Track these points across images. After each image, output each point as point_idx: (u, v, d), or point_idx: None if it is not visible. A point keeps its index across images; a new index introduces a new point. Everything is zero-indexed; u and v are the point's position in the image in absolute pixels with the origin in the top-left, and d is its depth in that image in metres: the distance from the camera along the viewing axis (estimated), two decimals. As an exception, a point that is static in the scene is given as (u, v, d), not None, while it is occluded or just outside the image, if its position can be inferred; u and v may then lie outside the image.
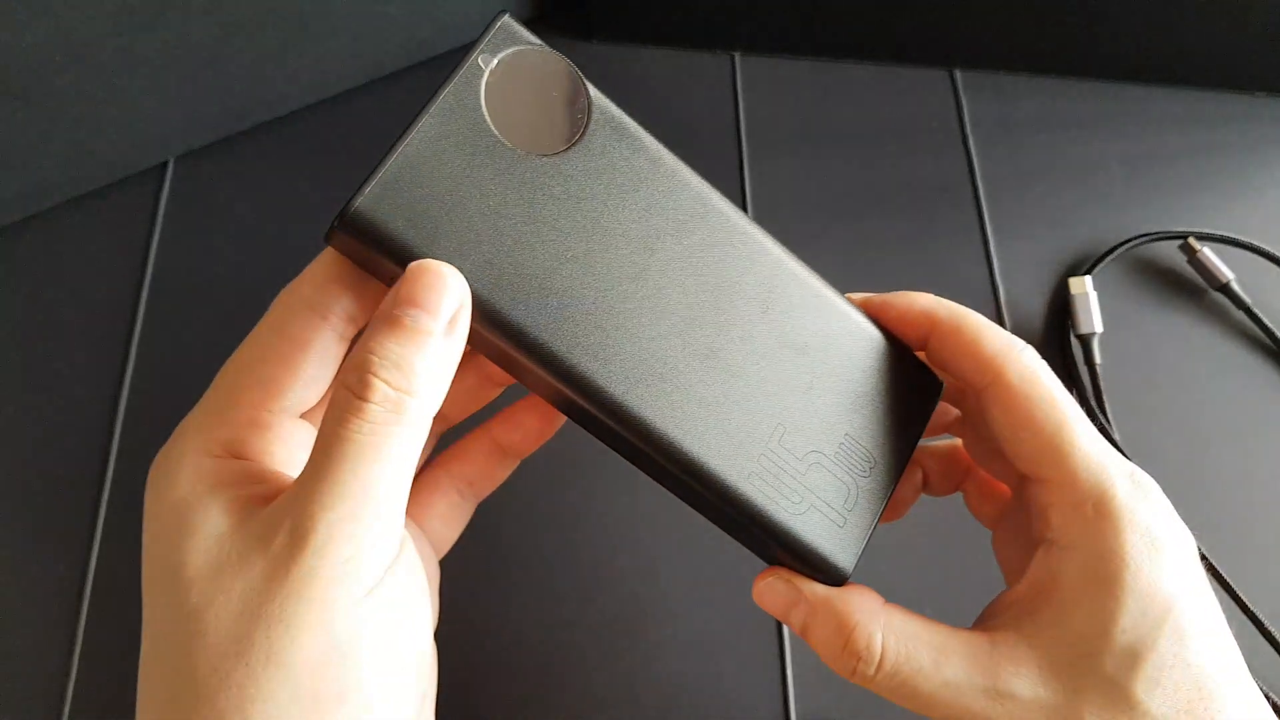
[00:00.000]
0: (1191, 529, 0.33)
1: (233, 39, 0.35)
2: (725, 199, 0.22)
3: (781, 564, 0.23)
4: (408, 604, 0.18)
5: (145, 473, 0.33)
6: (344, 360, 0.19)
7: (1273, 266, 0.38)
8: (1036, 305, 0.38)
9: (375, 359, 0.17)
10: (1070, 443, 0.20)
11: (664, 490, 0.22)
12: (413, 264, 0.18)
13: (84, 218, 0.38)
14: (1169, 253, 0.39)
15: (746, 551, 0.24)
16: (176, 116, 0.37)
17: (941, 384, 0.24)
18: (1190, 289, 0.39)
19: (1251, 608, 0.32)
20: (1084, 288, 0.37)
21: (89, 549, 0.32)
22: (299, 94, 0.40)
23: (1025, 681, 0.19)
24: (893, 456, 0.23)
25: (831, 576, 0.22)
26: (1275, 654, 0.32)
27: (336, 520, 0.16)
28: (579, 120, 0.21)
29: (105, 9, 0.31)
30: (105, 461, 0.34)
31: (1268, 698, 0.31)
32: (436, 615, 0.24)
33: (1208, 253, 0.38)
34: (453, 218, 0.19)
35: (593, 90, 0.21)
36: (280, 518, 0.17)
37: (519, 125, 0.20)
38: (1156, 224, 0.40)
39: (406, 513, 0.25)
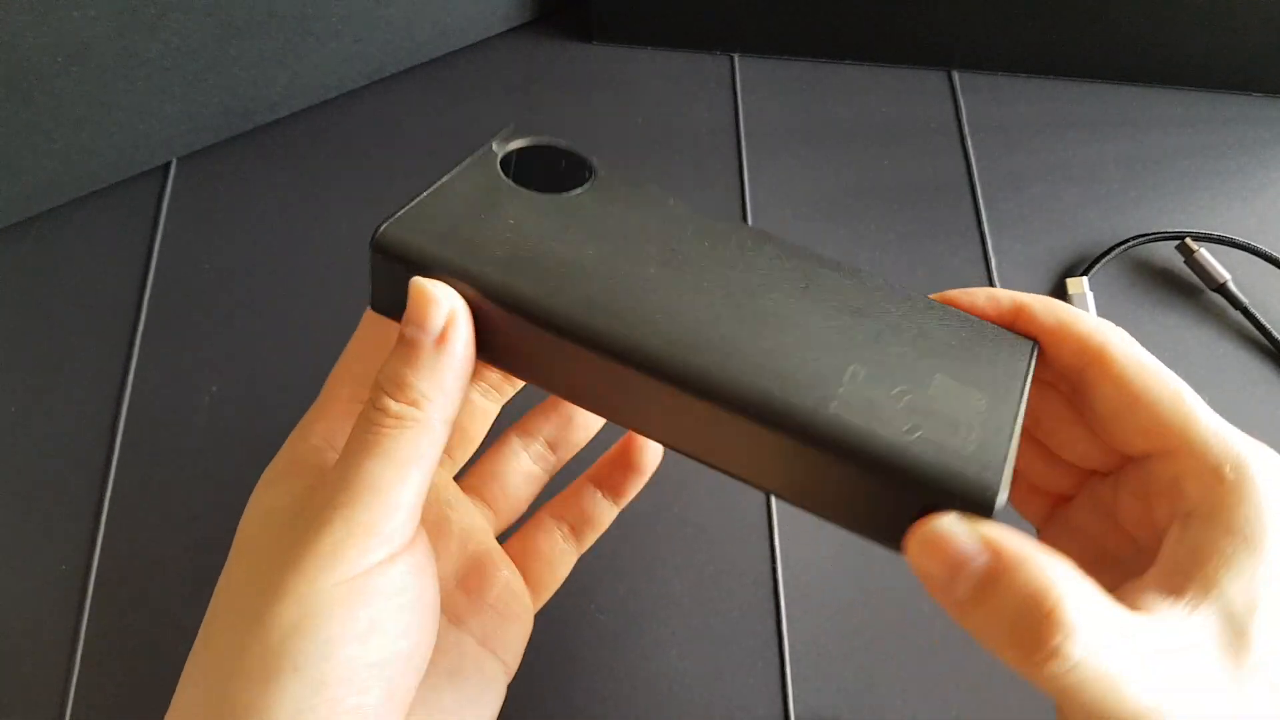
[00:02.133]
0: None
1: (235, 41, 0.35)
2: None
3: (876, 523, 0.18)
4: (397, 600, 0.19)
5: (147, 473, 0.34)
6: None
7: (1270, 267, 0.38)
8: (1034, 305, 0.38)
9: (383, 376, 0.19)
10: (1194, 411, 0.19)
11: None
12: (410, 282, 0.19)
13: (87, 218, 0.38)
14: (1166, 253, 0.40)
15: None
16: (179, 117, 0.38)
17: (1035, 342, 0.21)
18: (1187, 289, 0.39)
19: None
20: (1081, 288, 0.37)
21: (91, 549, 0.32)
22: (300, 95, 0.40)
23: (1200, 668, 0.17)
24: (1003, 394, 0.19)
25: (976, 501, 0.17)
26: None
27: (336, 507, 0.18)
28: (588, 168, 0.23)
29: (108, 10, 0.31)
30: (108, 461, 0.34)
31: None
32: (518, 660, 0.25)
33: (1205, 253, 0.38)
34: (482, 234, 0.20)
35: (598, 161, 0.23)
36: (310, 500, 0.19)
37: (533, 179, 0.22)
38: (1154, 224, 0.40)
39: (510, 550, 0.26)
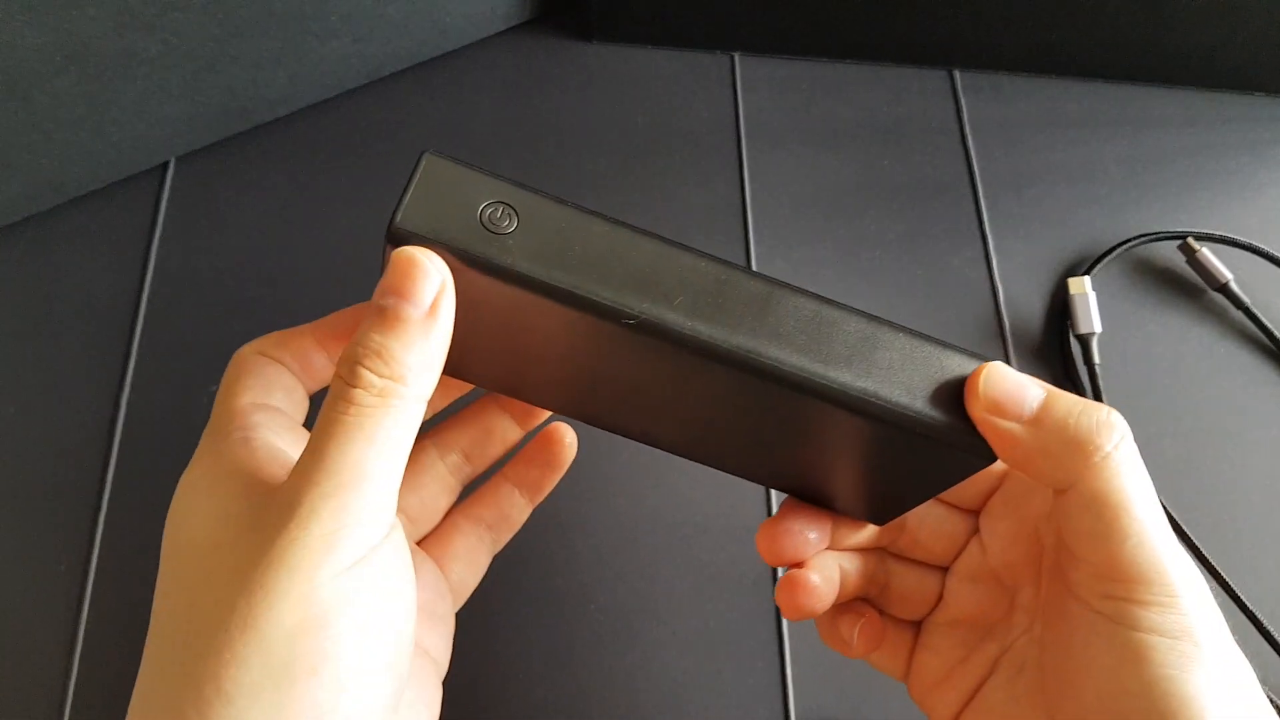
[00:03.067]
0: (1190, 528, 0.33)
1: (233, 40, 0.35)
2: None
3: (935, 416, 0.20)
4: (391, 585, 0.18)
5: (146, 473, 0.34)
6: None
7: (1271, 267, 0.38)
8: (1036, 305, 0.38)
9: (361, 349, 0.18)
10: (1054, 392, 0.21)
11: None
12: (394, 252, 0.18)
13: (85, 217, 0.38)
14: (1168, 253, 0.39)
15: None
16: (178, 116, 0.38)
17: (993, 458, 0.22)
18: (1189, 289, 0.39)
19: (1250, 607, 0.32)
20: (1083, 288, 0.37)
21: (90, 549, 0.32)
22: (299, 94, 0.40)
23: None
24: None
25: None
26: (1275, 654, 0.32)
27: (322, 495, 0.17)
28: None
29: (107, 10, 0.31)
30: (106, 462, 0.34)
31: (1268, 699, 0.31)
32: (447, 658, 0.25)
33: (1206, 253, 0.38)
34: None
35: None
36: (273, 497, 0.18)
37: None
38: (1155, 224, 0.40)
39: (429, 552, 0.26)
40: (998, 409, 0.19)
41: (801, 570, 0.24)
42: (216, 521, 0.18)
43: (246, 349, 0.23)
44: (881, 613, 0.26)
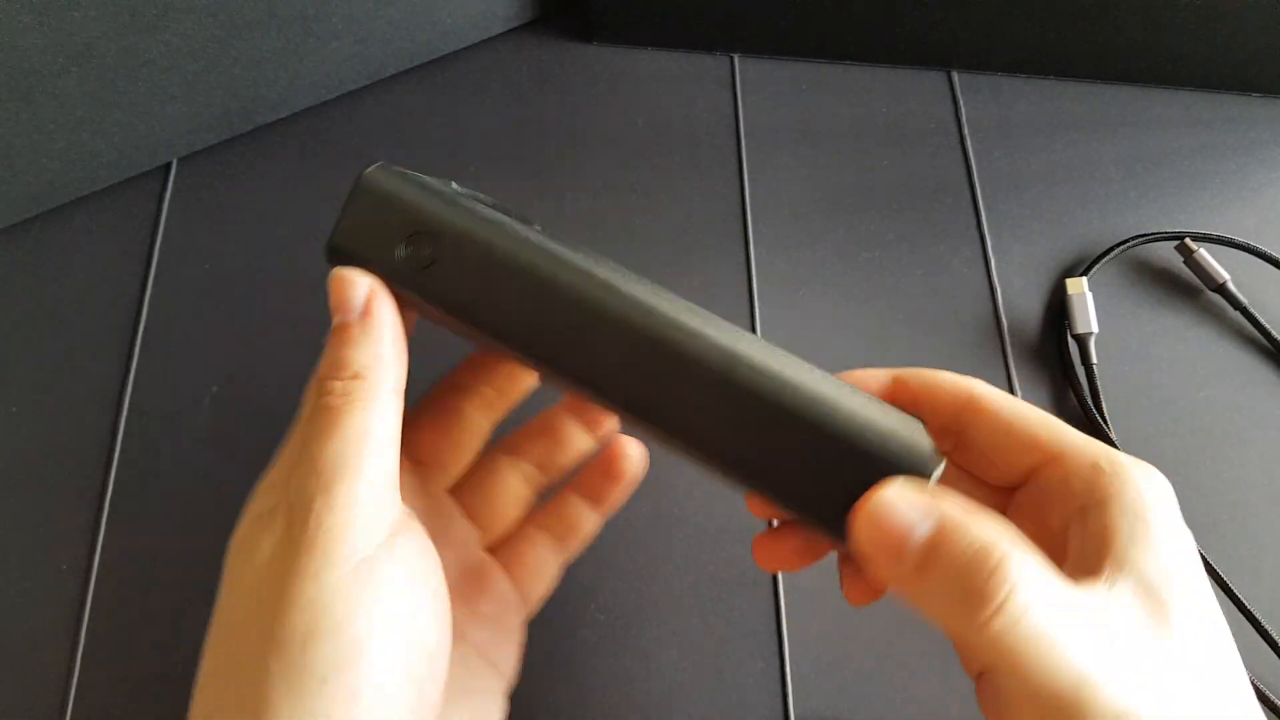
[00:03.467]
0: (1189, 528, 0.33)
1: (235, 41, 0.35)
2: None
3: (820, 499, 0.19)
4: (406, 582, 0.18)
5: (148, 471, 0.34)
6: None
7: (1269, 267, 0.38)
8: (1034, 306, 0.38)
9: (324, 367, 0.20)
10: (1062, 424, 0.21)
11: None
12: (328, 276, 0.20)
13: (88, 218, 0.38)
14: (1165, 253, 0.40)
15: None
16: (180, 117, 0.38)
17: (921, 420, 0.22)
18: (1187, 289, 0.39)
19: (1249, 606, 0.32)
20: (1081, 288, 0.37)
21: (92, 549, 0.32)
22: (301, 95, 0.40)
23: (1130, 635, 0.17)
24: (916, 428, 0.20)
25: (916, 467, 0.18)
26: (1273, 654, 0.32)
27: (314, 494, 0.18)
28: (527, 222, 0.23)
29: (109, 11, 0.31)
30: (108, 462, 0.34)
31: (1264, 698, 0.31)
32: (515, 669, 0.25)
33: (1204, 253, 0.38)
34: (461, 197, 0.21)
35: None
36: (277, 498, 0.19)
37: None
38: (1153, 225, 0.40)
39: (500, 560, 0.26)
40: (874, 554, 0.18)
41: (774, 536, 0.24)
42: (247, 521, 0.20)
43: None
44: None
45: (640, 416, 0.20)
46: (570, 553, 0.27)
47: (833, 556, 0.25)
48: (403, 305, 0.21)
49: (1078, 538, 0.19)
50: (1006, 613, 0.16)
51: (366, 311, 0.20)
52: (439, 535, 0.24)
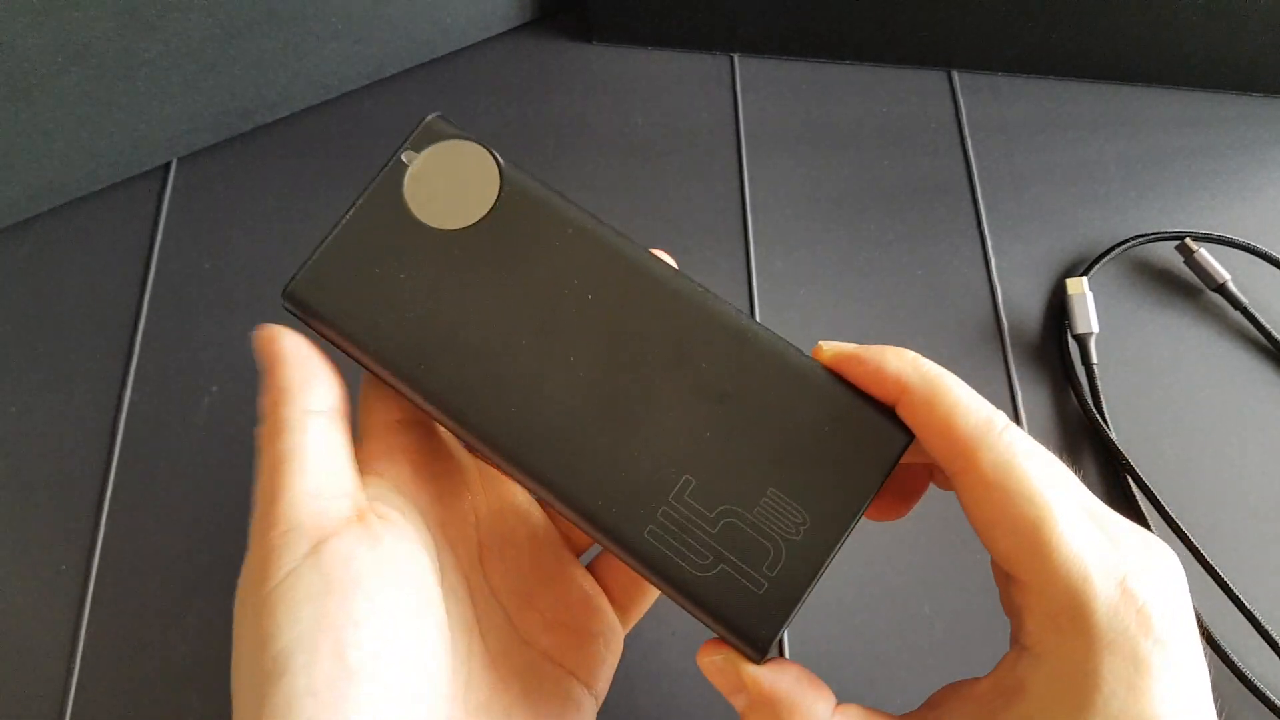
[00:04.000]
0: (1188, 529, 0.33)
1: (235, 40, 0.35)
2: (645, 252, 0.22)
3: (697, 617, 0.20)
4: (367, 579, 0.18)
5: (147, 472, 0.34)
6: None
7: (1269, 267, 0.38)
8: (1034, 306, 0.38)
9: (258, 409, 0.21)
10: (1048, 544, 0.18)
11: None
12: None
13: (87, 218, 0.38)
14: (1166, 253, 0.40)
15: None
16: (179, 117, 0.38)
17: (910, 436, 0.21)
18: (1187, 289, 0.39)
19: (1249, 607, 0.32)
20: (1081, 288, 0.37)
21: (91, 549, 0.32)
22: (301, 95, 0.40)
23: None
24: (831, 517, 0.20)
25: (750, 647, 0.20)
26: (1274, 655, 0.32)
27: (256, 528, 0.19)
28: (488, 196, 0.22)
29: (108, 11, 0.31)
30: (108, 462, 0.34)
31: (1266, 699, 0.31)
32: (603, 682, 0.25)
33: (1204, 253, 0.38)
34: (371, 293, 0.22)
35: (507, 167, 0.23)
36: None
37: (437, 206, 0.22)
38: (1153, 224, 0.40)
39: (599, 572, 0.26)
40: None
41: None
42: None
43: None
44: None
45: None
46: None
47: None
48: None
49: (1006, 669, 0.19)
50: None
51: (269, 358, 0.21)
52: (506, 539, 0.24)
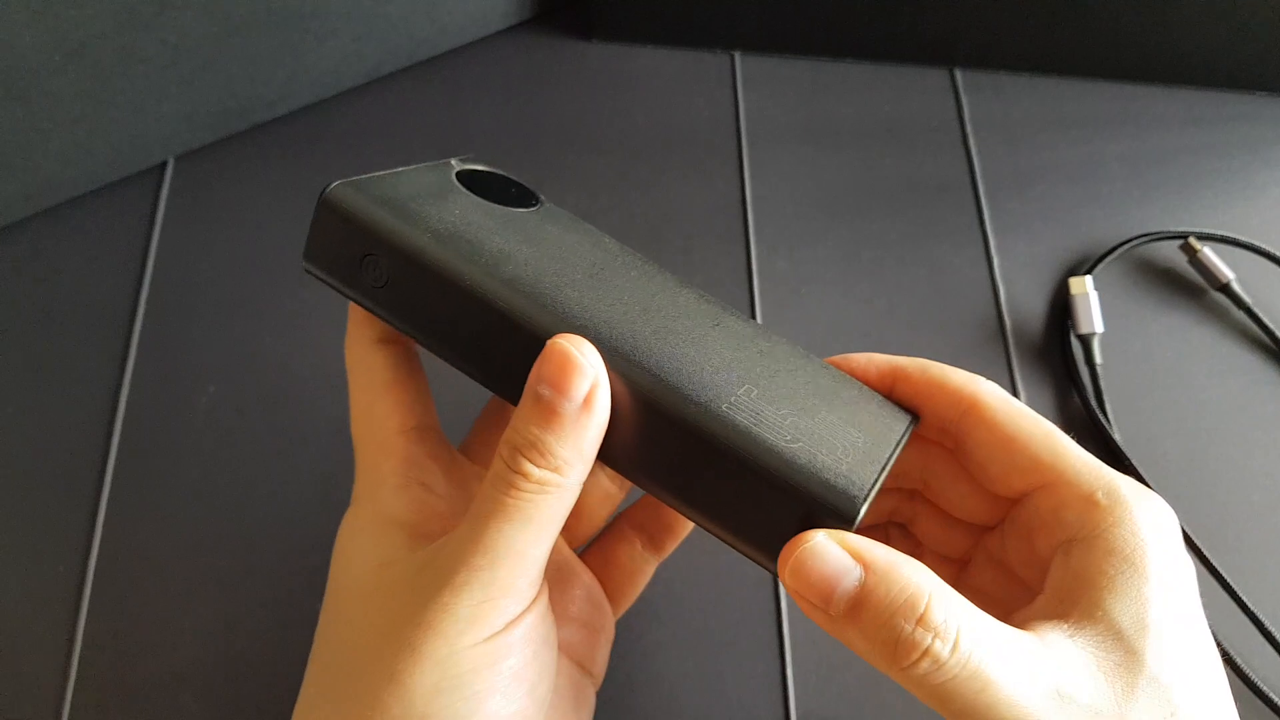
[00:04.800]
0: (1191, 529, 0.33)
1: (232, 39, 0.35)
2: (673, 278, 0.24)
3: (758, 535, 0.19)
4: (533, 650, 0.19)
5: (145, 472, 0.34)
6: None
7: (1273, 266, 0.38)
8: (1037, 305, 0.38)
9: (523, 439, 0.19)
10: (1065, 446, 0.20)
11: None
12: (550, 342, 0.19)
13: (84, 217, 0.38)
14: (1169, 253, 0.39)
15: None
16: (176, 116, 0.37)
17: (915, 416, 0.22)
18: (1191, 289, 0.39)
19: (1251, 607, 0.32)
20: (1084, 288, 0.37)
21: (88, 549, 0.32)
22: (298, 93, 0.40)
23: (1083, 686, 0.17)
24: (882, 436, 0.20)
25: (839, 509, 0.18)
26: (1275, 654, 0.32)
27: (476, 569, 0.18)
28: (528, 202, 0.25)
29: (105, 8, 0.31)
30: (105, 461, 0.34)
31: (1267, 699, 0.31)
32: (603, 669, 0.25)
33: (1208, 253, 0.38)
34: (423, 209, 0.21)
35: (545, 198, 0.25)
36: (434, 559, 0.19)
37: (484, 193, 0.24)
38: (1157, 224, 0.40)
39: (589, 563, 0.26)
40: (803, 596, 0.18)
41: None
42: (379, 566, 0.20)
43: (356, 344, 0.23)
44: (921, 546, 0.25)
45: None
46: (665, 552, 0.27)
47: None
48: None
49: (1058, 572, 0.19)
50: (933, 657, 0.16)
51: (587, 405, 0.19)
52: None
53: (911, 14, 0.41)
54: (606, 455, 0.20)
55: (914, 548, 0.25)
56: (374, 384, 0.22)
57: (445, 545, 0.19)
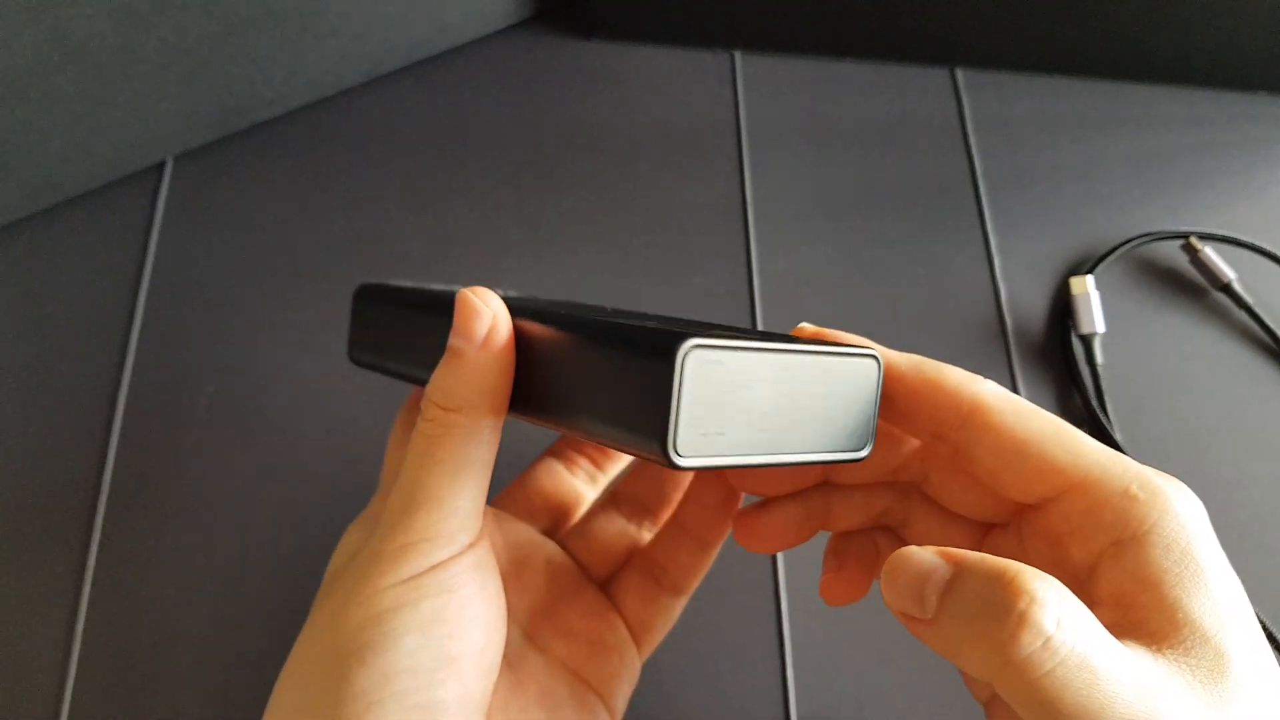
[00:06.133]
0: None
1: (231, 38, 0.35)
2: None
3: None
4: (462, 595, 0.19)
5: (143, 473, 0.34)
6: None
7: (1275, 266, 0.38)
8: (1038, 305, 0.38)
9: (431, 389, 0.20)
10: (1082, 441, 0.19)
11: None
12: (458, 293, 0.20)
13: (82, 217, 0.38)
14: (1171, 252, 0.39)
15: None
16: (175, 115, 0.37)
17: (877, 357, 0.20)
18: (1192, 289, 0.39)
19: (1255, 610, 0.32)
20: (1085, 287, 0.37)
21: (87, 549, 0.32)
22: (298, 93, 0.40)
23: (1185, 696, 0.15)
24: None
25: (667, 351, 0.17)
26: (1275, 654, 0.32)
27: (397, 513, 0.20)
28: None
29: (104, 8, 0.31)
30: (103, 462, 0.34)
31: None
32: (620, 701, 0.25)
33: (1209, 252, 0.38)
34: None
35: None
36: (377, 518, 0.21)
37: None
38: (1158, 223, 0.40)
39: (610, 593, 0.26)
40: (901, 607, 0.17)
41: (757, 509, 0.23)
42: (351, 550, 0.22)
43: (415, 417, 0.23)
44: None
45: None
46: (684, 588, 0.26)
47: (817, 544, 0.25)
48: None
49: (1113, 576, 0.17)
50: (1032, 623, 0.15)
51: (485, 343, 0.19)
52: (520, 566, 0.25)
53: (912, 14, 0.41)
54: (524, 407, 0.20)
55: (855, 584, 0.24)
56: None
57: (385, 502, 0.20)
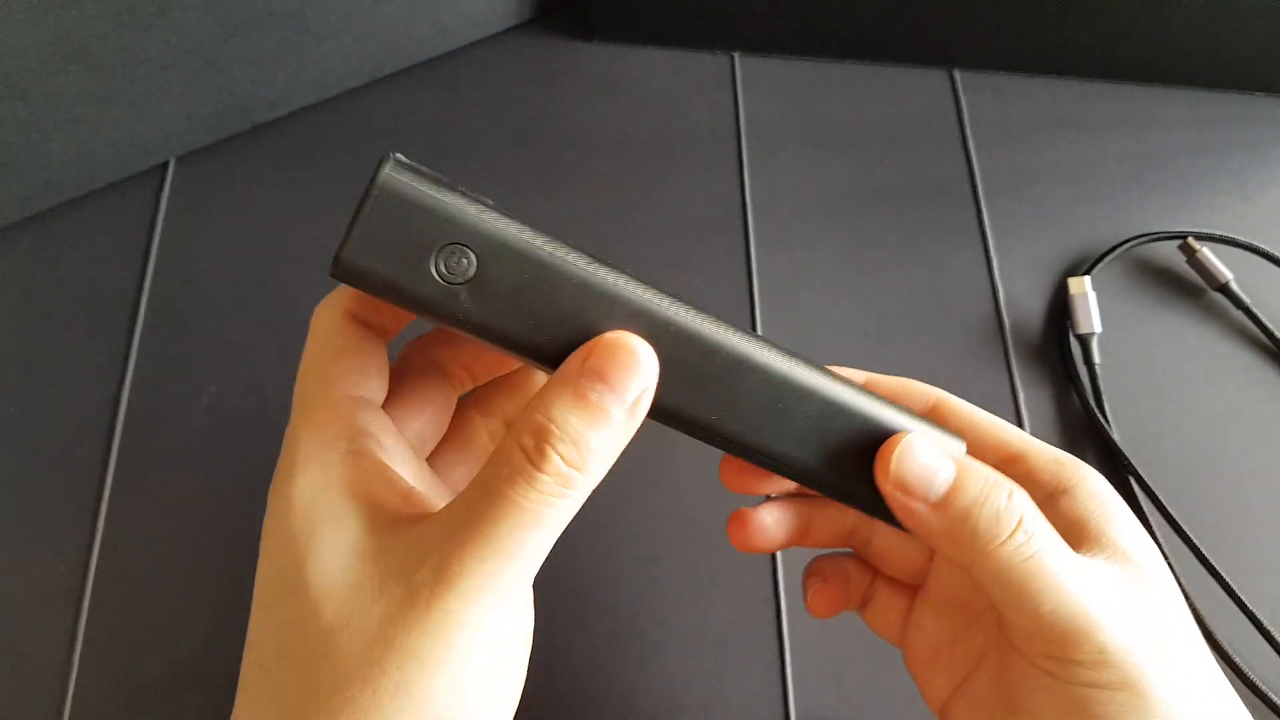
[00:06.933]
0: (1190, 529, 0.33)
1: (233, 39, 0.35)
2: None
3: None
4: (518, 644, 0.19)
5: (146, 473, 0.34)
6: (521, 409, 0.21)
7: (1272, 266, 0.38)
8: (1036, 305, 0.38)
9: (555, 430, 0.17)
10: (1016, 427, 0.23)
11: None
12: (607, 335, 0.17)
13: (85, 217, 0.38)
14: (1168, 253, 0.39)
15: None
16: (177, 116, 0.37)
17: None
18: (1189, 289, 0.39)
19: (1251, 608, 0.32)
20: (1083, 288, 0.37)
21: (89, 549, 0.32)
22: (299, 94, 0.40)
23: (1112, 583, 0.20)
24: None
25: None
26: (1276, 655, 0.32)
27: (486, 573, 0.17)
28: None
29: (106, 9, 0.31)
30: (106, 462, 0.34)
31: (1266, 699, 0.31)
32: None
33: (1207, 253, 0.38)
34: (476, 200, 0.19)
35: None
36: (427, 552, 0.17)
37: None
38: (1156, 224, 0.40)
39: (388, 408, 0.24)
40: (905, 488, 0.20)
41: (753, 509, 0.25)
42: (353, 558, 0.17)
43: (328, 309, 0.21)
44: (877, 572, 0.26)
45: (696, 431, 0.20)
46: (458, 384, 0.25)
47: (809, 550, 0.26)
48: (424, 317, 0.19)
49: (1052, 519, 0.21)
50: (1025, 530, 0.19)
51: (633, 410, 0.17)
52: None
53: (911, 15, 0.41)
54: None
55: (872, 578, 0.26)
56: (334, 346, 0.20)
57: (440, 540, 0.17)
